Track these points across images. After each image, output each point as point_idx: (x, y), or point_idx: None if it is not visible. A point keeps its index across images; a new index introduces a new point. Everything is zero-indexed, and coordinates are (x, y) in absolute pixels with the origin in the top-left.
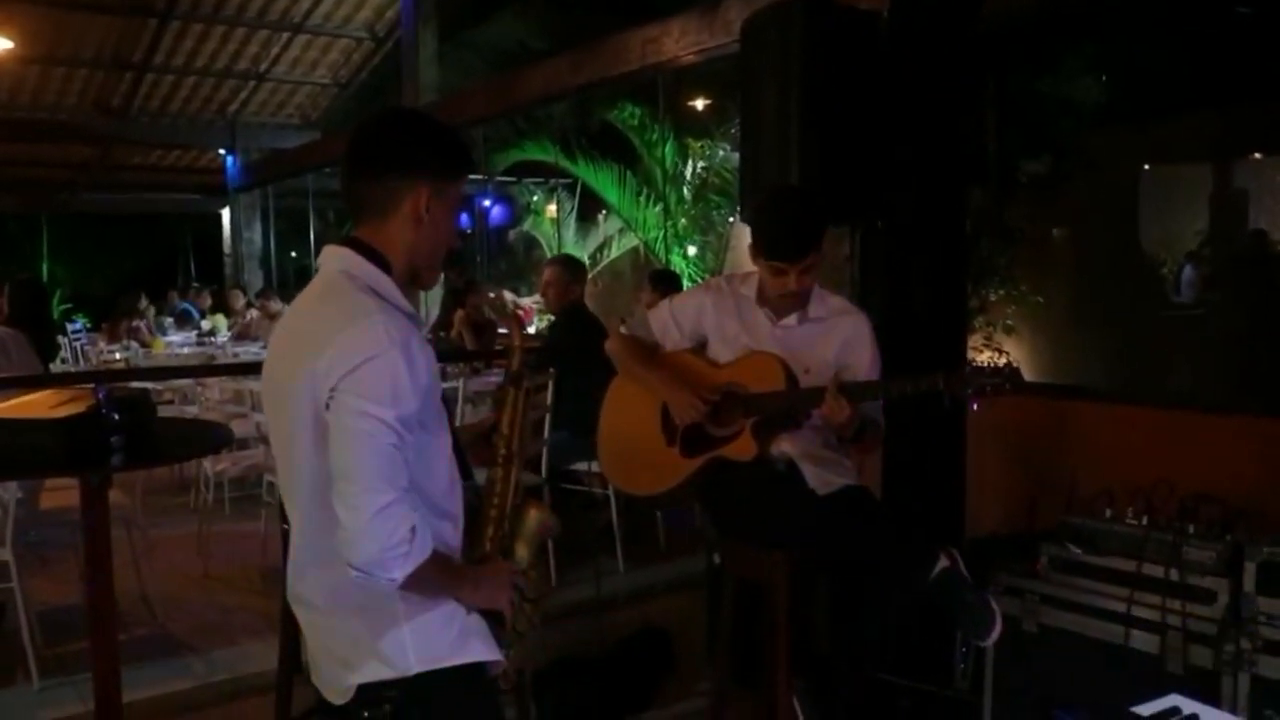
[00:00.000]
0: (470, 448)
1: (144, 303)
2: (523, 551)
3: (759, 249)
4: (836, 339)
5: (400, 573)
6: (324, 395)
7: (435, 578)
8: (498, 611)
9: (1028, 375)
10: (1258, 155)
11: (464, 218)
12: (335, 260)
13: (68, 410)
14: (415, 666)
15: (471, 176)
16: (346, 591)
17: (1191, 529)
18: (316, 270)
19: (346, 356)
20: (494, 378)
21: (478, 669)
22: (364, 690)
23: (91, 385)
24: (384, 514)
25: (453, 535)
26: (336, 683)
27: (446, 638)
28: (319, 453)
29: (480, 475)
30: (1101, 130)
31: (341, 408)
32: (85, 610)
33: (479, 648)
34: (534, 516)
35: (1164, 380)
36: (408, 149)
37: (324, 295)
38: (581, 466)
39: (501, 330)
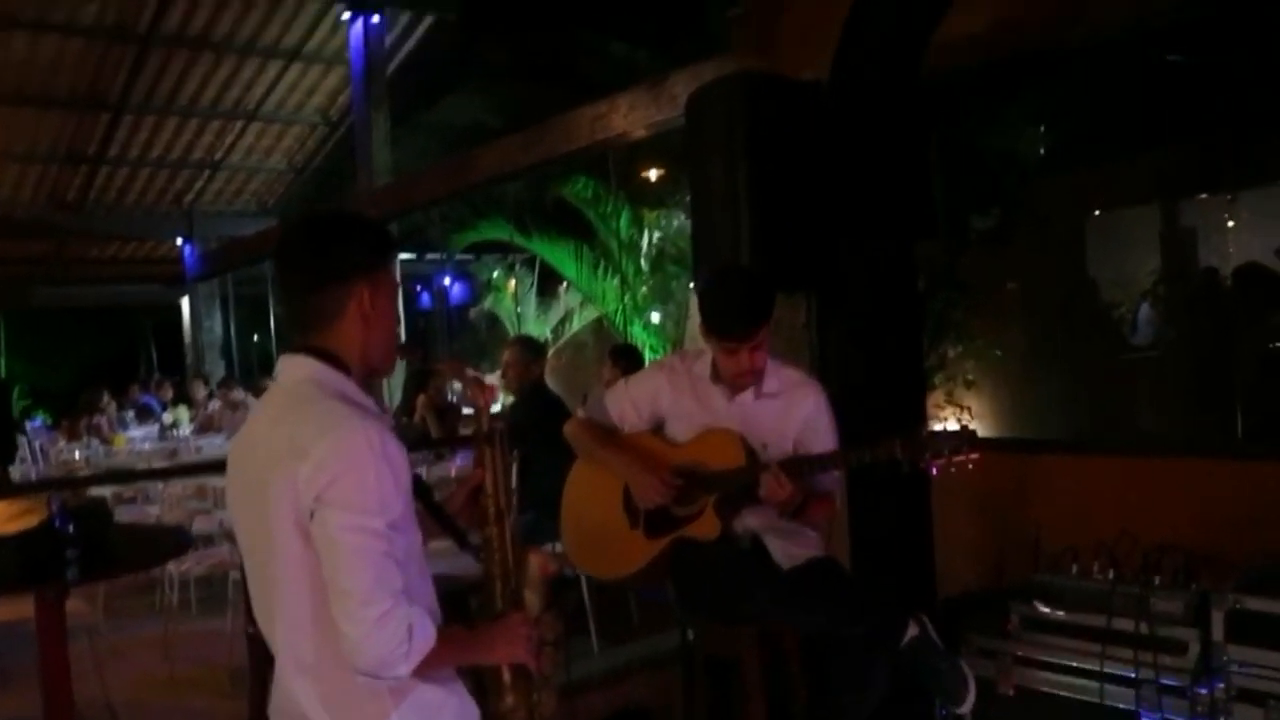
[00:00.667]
0: (458, 515)
1: (105, 399)
2: (532, 599)
3: (709, 329)
4: (795, 413)
5: (405, 669)
6: (306, 504)
7: (448, 655)
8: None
9: (991, 428)
10: (1203, 195)
11: (424, 297)
12: (299, 369)
13: (21, 524)
14: None
15: (430, 255)
16: (339, 698)
17: (1157, 580)
18: (274, 379)
19: (328, 466)
20: (462, 461)
21: None
22: None
23: (43, 495)
24: (383, 621)
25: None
26: None
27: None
28: (306, 562)
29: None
30: (1047, 180)
31: (329, 521)
32: None
33: None
34: (534, 563)
35: (1125, 425)
36: (337, 255)
37: (294, 404)
38: (548, 548)
39: (466, 410)
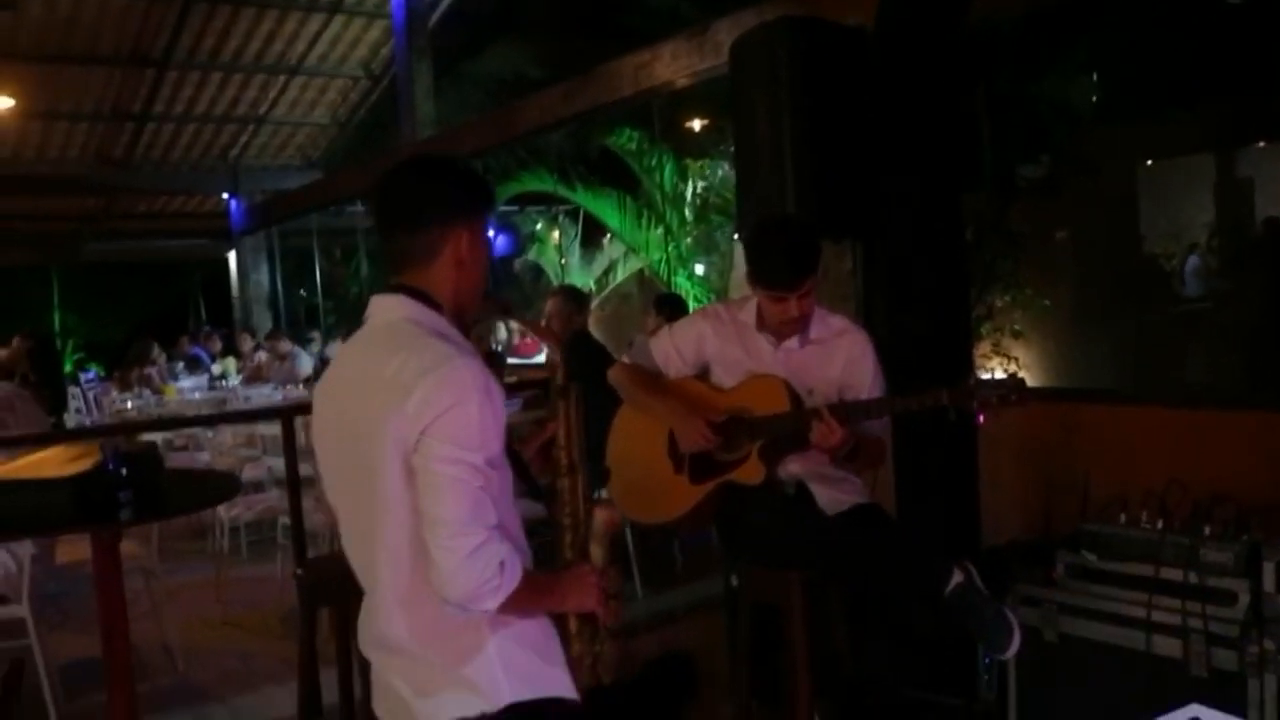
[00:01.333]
0: (531, 464)
1: (155, 350)
2: (597, 552)
3: (756, 279)
4: (839, 359)
5: (494, 603)
6: (412, 438)
7: (528, 598)
8: (591, 614)
9: (1038, 379)
10: (1261, 144)
11: None
12: (394, 308)
13: (77, 467)
14: (508, 696)
15: None
16: (437, 628)
17: (1207, 530)
18: (366, 319)
19: (434, 402)
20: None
21: (563, 704)
22: None
23: (99, 440)
24: (477, 554)
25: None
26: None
27: (535, 669)
28: (409, 495)
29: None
30: (1099, 129)
31: (430, 453)
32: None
33: (563, 681)
34: (600, 517)
35: (1175, 377)
36: (443, 197)
37: (395, 342)
38: (596, 494)
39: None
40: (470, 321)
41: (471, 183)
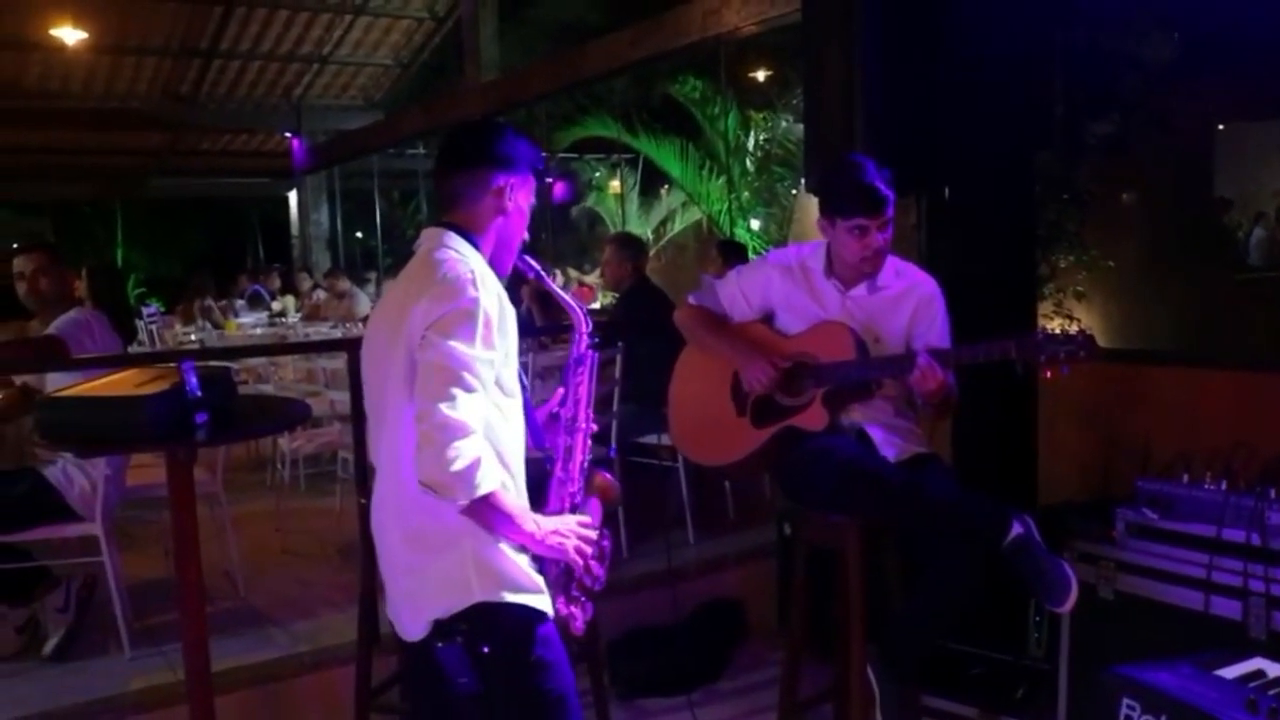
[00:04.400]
0: (543, 427)
1: (212, 284)
2: (589, 512)
3: (835, 211)
4: (906, 307)
5: (465, 497)
6: (417, 335)
7: (501, 511)
8: (569, 568)
9: (1100, 341)
10: None
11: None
12: (434, 238)
13: (152, 388)
14: (477, 595)
15: None
16: (421, 532)
17: (1273, 493)
18: (415, 249)
19: (440, 302)
20: (561, 352)
21: (545, 617)
22: (437, 625)
23: (173, 364)
24: (458, 443)
25: (514, 493)
26: (411, 619)
27: (510, 573)
28: (407, 394)
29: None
30: (1173, 86)
31: (430, 345)
32: (172, 584)
33: (536, 592)
34: (599, 483)
35: (1240, 345)
36: (495, 147)
37: (427, 265)
38: (650, 439)
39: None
40: (505, 268)
41: (522, 142)
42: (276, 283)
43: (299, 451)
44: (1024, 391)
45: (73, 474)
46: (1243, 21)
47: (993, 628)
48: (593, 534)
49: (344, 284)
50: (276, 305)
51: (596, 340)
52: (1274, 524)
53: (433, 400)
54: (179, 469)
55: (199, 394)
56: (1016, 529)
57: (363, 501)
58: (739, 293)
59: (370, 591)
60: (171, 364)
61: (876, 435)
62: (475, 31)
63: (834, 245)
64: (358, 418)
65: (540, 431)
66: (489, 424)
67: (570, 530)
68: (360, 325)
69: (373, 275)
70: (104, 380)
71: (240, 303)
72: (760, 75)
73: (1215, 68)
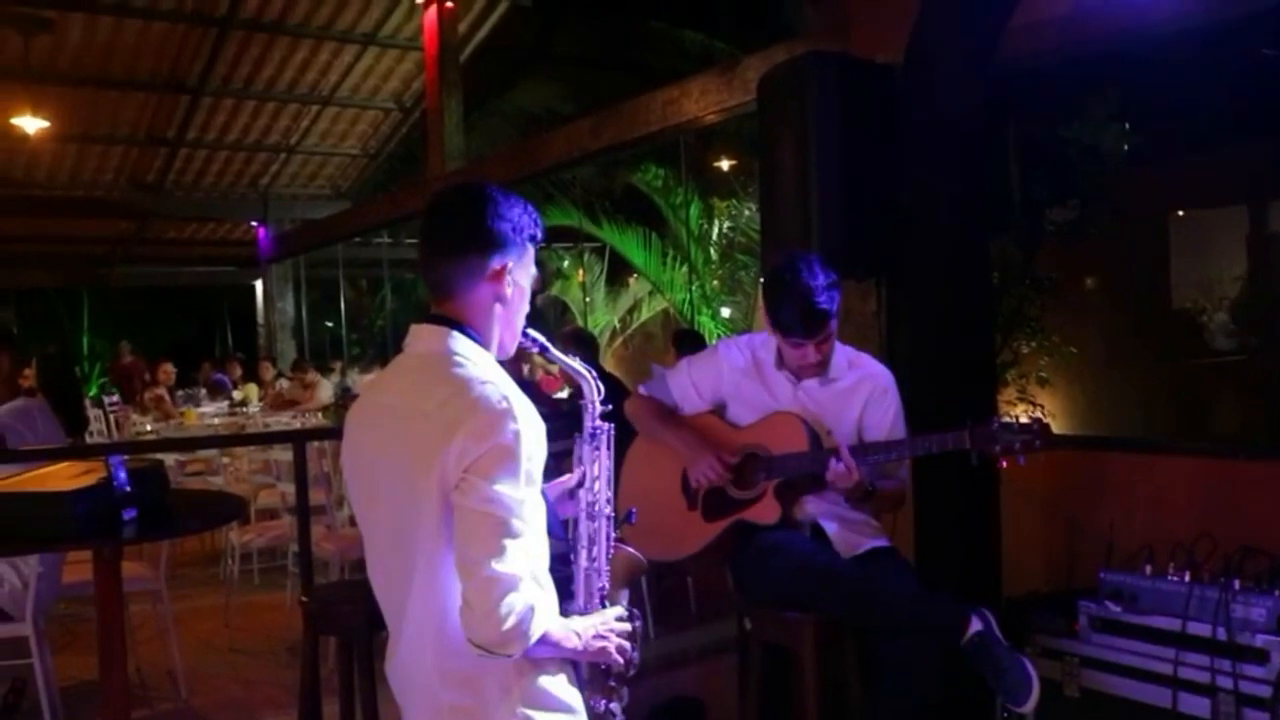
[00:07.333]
0: (557, 504)
1: (165, 372)
2: (617, 595)
3: (774, 324)
4: (859, 398)
5: (519, 650)
6: (454, 477)
7: (550, 644)
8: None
9: (1064, 427)
10: None
11: None
12: (435, 338)
13: (82, 482)
14: None
15: None
16: (464, 667)
17: (1238, 584)
18: (405, 347)
19: (478, 440)
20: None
21: None
22: None
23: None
24: (510, 599)
25: (552, 609)
26: None
27: (553, 704)
28: (444, 540)
29: None
30: (1129, 175)
31: (472, 491)
32: None
33: (574, 713)
34: (623, 561)
35: (1204, 429)
36: (487, 224)
37: (434, 374)
38: None
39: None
40: (507, 354)
41: (518, 212)
42: (238, 371)
43: (251, 545)
44: (987, 479)
45: (3, 571)
46: (1192, 112)
47: None
48: (628, 626)
49: (312, 375)
50: (238, 394)
51: (609, 408)
52: (1239, 617)
53: (480, 554)
54: (105, 567)
55: (128, 489)
56: (975, 626)
57: (304, 600)
58: (689, 383)
59: (313, 690)
60: (103, 457)
61: (831, 529)
62: (441, 122)
63: (780, 345)
64: (304, 511)
65: (555, 514)
66: (530, 547)
67: (609, 630)
68: (320, 415)
69: (337, 364)
70: (37, 473)
71: (202, 391)
72: (724, 164)
73: (1169, 156)
